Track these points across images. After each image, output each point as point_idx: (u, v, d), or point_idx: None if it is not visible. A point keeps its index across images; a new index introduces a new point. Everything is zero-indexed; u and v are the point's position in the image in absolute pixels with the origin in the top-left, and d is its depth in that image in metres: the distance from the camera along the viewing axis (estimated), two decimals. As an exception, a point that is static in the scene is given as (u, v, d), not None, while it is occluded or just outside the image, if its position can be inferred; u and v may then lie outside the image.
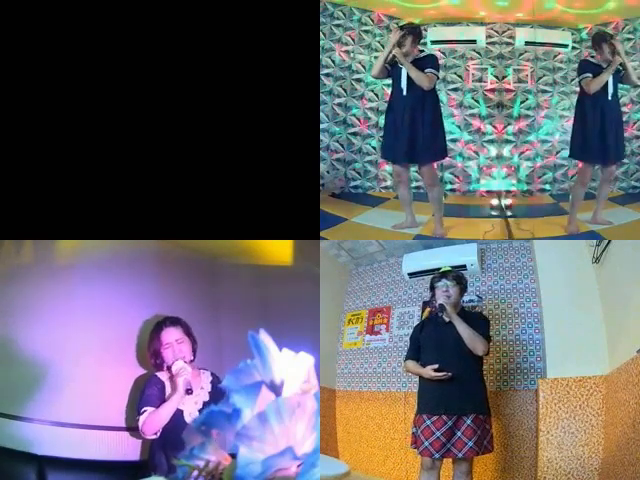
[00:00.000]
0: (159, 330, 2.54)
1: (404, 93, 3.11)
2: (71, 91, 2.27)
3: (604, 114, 3.10)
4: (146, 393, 2.45)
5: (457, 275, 2.80)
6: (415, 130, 3.13)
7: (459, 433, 2.50)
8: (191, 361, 2.54)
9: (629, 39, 4.30)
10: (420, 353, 2.72)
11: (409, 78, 3.08)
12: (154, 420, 2.37)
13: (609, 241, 2.77)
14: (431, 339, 2.71)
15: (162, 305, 2.59)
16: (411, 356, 2.76)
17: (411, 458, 3.32)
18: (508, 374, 3.28)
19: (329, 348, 4.08)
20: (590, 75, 3.07)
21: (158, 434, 2.39)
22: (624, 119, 4.38)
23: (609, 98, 3.08)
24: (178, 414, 2.42)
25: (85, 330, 2.53)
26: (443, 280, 2.73)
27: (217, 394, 2.51)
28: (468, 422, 2.51)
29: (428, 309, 3.62)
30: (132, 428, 2.56)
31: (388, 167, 4.44)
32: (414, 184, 3.76)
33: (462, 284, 2.78)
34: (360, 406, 3.89)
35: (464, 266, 3.60)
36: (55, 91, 2.27)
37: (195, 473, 0.81)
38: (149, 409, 2.39)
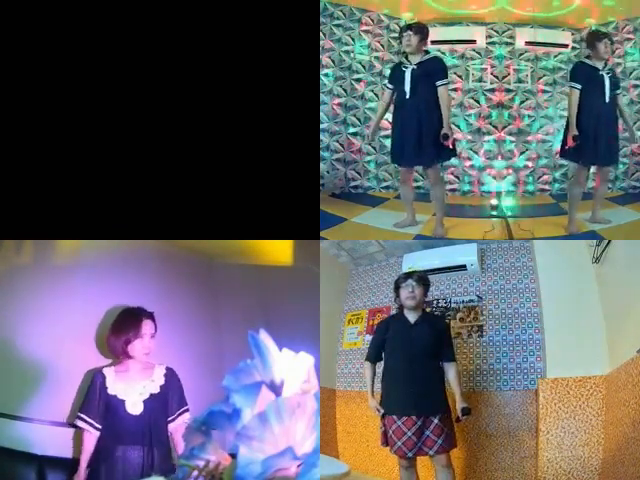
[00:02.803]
0: (139, 319, 2.49)
1: (407, 97, 3.10)
2: (71, 91, 2.27)
3: (600, 116, 3.07)
4: (90, 393, 2.42)
5: (421, 276, 2.85)
6: (420, 133, 3.10)
7: (428, 432, 2.58)
8: (146, 354, 2.52)
9: (629, 39, 4.30)
10: (384, 353, 2.77)
11: (412, 81, 3.06)
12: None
13: (609, 241, 2.77)
14: (397, 340, 2.75)
15: (162, 305, 2.58)
16: (371, 358, 2.81)
17: (411, 458, 3.31)
18: (508, 374, 3.27)
19: (329, 348, 4.08)
20: (579, 88, 3.02)
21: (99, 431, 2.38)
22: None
23: (607, 100, 3.07)
24: (120, 404, 2.39)
25: (84, 330, 2.53)
26: (409, 280, 2.78)
27: (171, 384, 2.51)
28: (436, 421, 2.59)
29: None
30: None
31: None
32: (414, 183, 3.76)
33: (427, 285, 2.84)
34: (360, 406, 3.88)
35: (464, 266, 3.60)
36: (55, 91, 2.27)
37: (195, 473, 0.81)
38: (89, 430, 2.37)
